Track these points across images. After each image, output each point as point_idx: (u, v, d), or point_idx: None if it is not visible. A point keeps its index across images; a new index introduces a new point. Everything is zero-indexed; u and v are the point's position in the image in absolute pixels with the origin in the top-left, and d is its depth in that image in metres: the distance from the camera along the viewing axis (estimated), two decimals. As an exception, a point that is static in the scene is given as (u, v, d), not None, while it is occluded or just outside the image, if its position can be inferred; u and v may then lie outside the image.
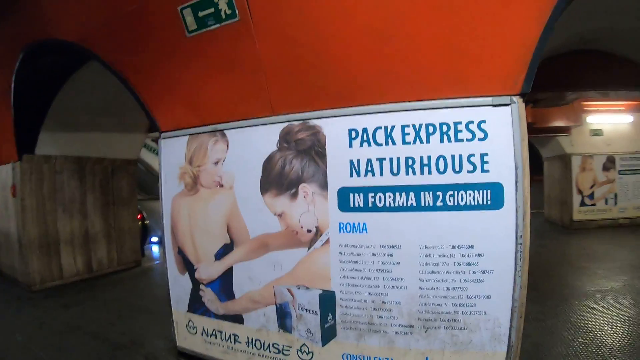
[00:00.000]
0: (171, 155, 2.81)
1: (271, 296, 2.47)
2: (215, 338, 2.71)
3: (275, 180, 2.40)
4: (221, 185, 2.59)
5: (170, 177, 2.81)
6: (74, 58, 4.27)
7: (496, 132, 2.02)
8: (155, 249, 7.67)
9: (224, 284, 2.62)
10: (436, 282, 2.11)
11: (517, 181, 1.98)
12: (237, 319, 2.60)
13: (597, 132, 8.53)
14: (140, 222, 6.77)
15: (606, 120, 8.40)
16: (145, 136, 6.37)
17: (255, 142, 2.48)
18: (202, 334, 2.76)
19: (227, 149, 2.57)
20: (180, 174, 2.76)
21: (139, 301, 4.42)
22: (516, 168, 1.98)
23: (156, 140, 3.18)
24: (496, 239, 2.02)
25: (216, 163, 2.61)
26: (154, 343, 3.18)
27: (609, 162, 8.52)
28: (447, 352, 2.13)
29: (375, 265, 2.20)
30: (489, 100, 2.02)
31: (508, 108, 2.00)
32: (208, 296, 2.68)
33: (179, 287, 2.82)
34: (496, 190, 2.01)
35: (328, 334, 2.33)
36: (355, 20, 2.08)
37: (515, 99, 2.00)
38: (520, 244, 1.99)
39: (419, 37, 2.04)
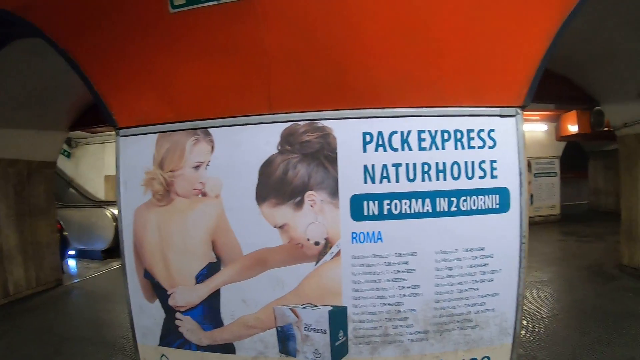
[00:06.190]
0: (133, 157, 2.24)
1: (270, 319, 2.18)
2: (198, 373, 2.28)
3: (276, 187, 2.11)
4: (204, 194, 2.17)
5: (132, 184, 2.24)
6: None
7: (503, 141, 2.13)
8: (72, 263, 6.69)
9: (209, 310, 2.21)
10: (450, 285, 2.13)
11: (521, 186, 2.13)
12: (227, 348, 2.23)
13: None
14: (58, 234, 5.63)
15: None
16: (66, 135, 5.17)
17: (249, 143, 2.14)
18: (180, 371, 2.30)
19: (213, 150, 2.17)
20: (147, 180, 2.22)
21: (73, 329, 3.66)
22: (520, 174, 2.13)
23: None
24: (504, 239, 2.14)
25: (197, 167, 2.17)
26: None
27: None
28: (459, 351, 2.18)
29: (390, 275, 2.11)
30: (497, 110, 2.12)
31: (514, 119, 2.13)
32: (187, 325, 2.23)
33: (147, 317, 2.28)
34: (504, 194, 2.12)
35: (339, 352, 2.16)
36: (380, 16, 1.93)
37: (519, 110, 2.13)
38: (524, 242, 2.15)
39: (442, 44, 2.01)
